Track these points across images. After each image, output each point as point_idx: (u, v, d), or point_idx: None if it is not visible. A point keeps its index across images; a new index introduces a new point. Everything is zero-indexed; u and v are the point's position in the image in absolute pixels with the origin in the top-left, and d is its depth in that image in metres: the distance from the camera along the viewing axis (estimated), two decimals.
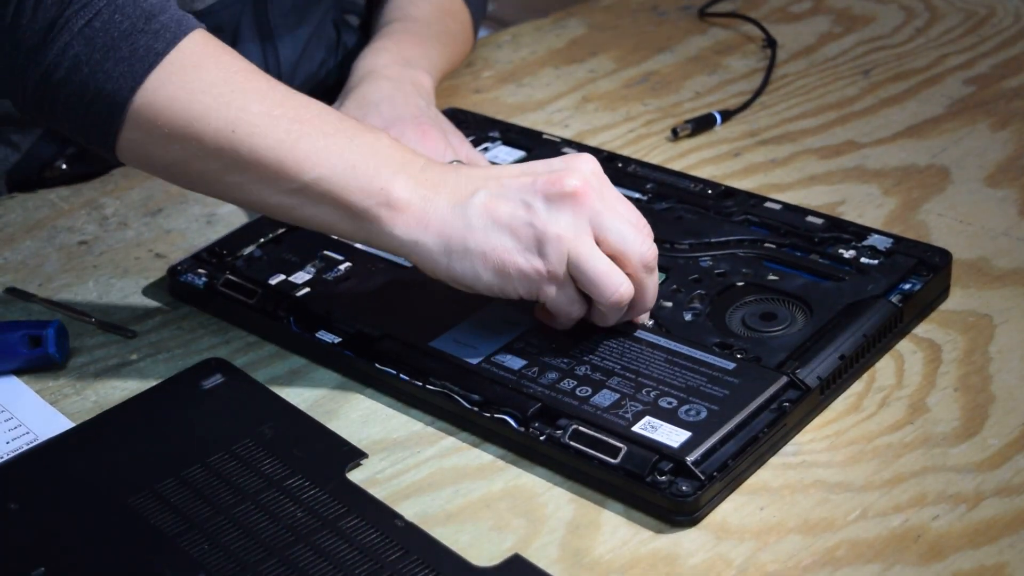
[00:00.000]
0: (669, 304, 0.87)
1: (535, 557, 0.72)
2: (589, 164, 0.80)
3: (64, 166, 1.08)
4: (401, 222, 0.80)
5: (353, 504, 0.75)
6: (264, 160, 0.80)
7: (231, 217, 1.02)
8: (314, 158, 0.80)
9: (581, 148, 1.06)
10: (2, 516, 0.76)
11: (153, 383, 0.86)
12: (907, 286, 0.88)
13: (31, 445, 0.82)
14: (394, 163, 0.80)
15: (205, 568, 0.71)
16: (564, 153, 1.05)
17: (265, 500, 0.75)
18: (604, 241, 0.79)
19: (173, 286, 0.95)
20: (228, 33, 1.09)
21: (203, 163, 0.82)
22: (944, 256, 0.90)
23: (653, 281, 0.82)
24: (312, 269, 0.93)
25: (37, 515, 0.76)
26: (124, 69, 0.80)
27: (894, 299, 0.86)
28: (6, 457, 0.81)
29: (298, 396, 0.85)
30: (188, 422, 0.83)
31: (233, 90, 0.80)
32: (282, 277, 0.92)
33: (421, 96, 1.04)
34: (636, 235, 0.80)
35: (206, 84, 0.80)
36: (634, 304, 0.82)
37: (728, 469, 0.75)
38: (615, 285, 0.79)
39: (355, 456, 0.79)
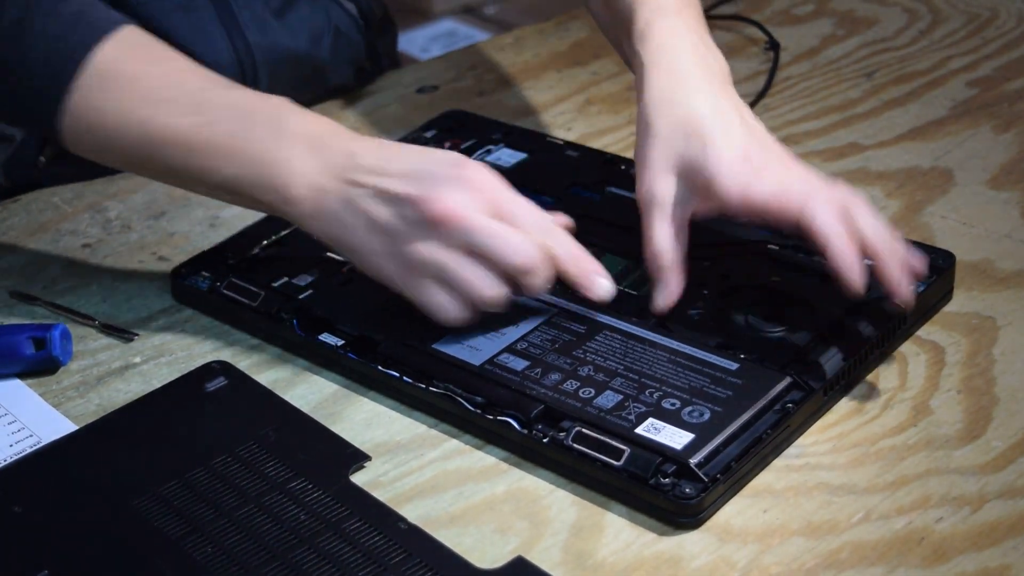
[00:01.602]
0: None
1: (538, 560, 0.72)
2: (476, 178, 0.81)
3: (43, 159, 1.08)
4: (299, 214, 0.85)
5: (356, 507, 0.75)
6: (179, 168, 0.87)
7: (234, 220, 1.02)
8: (218, 163, 0.85)
9: (584, 150, 1.06)
10: (6, 519, 0.76)
11: (156, 386, 0.86)
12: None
13: (34, 448, 0.82)
14: (288, 156, 0.84)
15: (208, 571, 0.71)
16: (567, 155, 1.05)
17: (268, 503, 0.75)
18: (480, 255, 0.81)
19: (176, 289, 0.95)
20: (189, 22, 1.08)
21: (137, 167, 0.90)
22: (948, 258, 0.90)
23: (535, 281, 0.82)
24: (315, 271, 0.93)
25: (40, 518, 0.76)
26: (43, 106, 0.86)
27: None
28: (9, 460, 0.81)
29: (301, 399, 0.85)
30: (191, 425, 0.83)
31: (141, 104, 0.86)
32: (285, 280, 0.92)
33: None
34: (507, 244, 0.80)
35: (116, 103, 0.86)
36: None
37: (731, 471, 0.75)
38: (484, 288, 0.81)
39: (358, 459, 0.79)
